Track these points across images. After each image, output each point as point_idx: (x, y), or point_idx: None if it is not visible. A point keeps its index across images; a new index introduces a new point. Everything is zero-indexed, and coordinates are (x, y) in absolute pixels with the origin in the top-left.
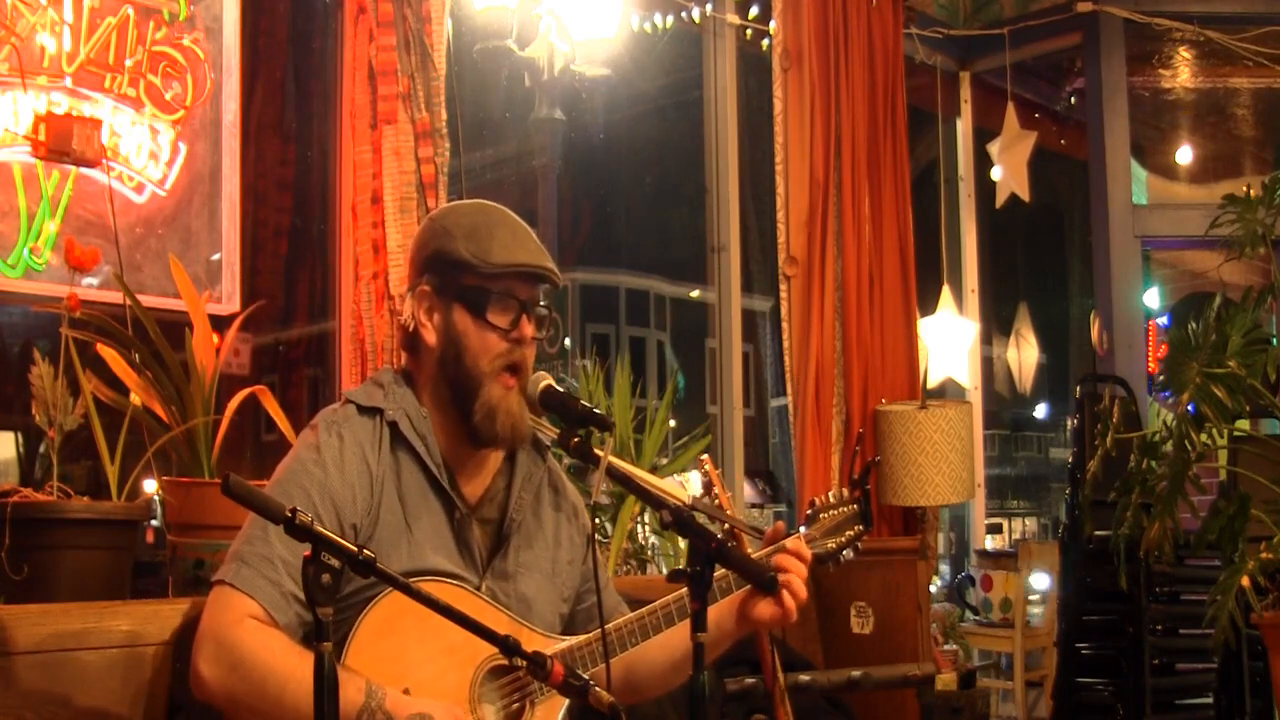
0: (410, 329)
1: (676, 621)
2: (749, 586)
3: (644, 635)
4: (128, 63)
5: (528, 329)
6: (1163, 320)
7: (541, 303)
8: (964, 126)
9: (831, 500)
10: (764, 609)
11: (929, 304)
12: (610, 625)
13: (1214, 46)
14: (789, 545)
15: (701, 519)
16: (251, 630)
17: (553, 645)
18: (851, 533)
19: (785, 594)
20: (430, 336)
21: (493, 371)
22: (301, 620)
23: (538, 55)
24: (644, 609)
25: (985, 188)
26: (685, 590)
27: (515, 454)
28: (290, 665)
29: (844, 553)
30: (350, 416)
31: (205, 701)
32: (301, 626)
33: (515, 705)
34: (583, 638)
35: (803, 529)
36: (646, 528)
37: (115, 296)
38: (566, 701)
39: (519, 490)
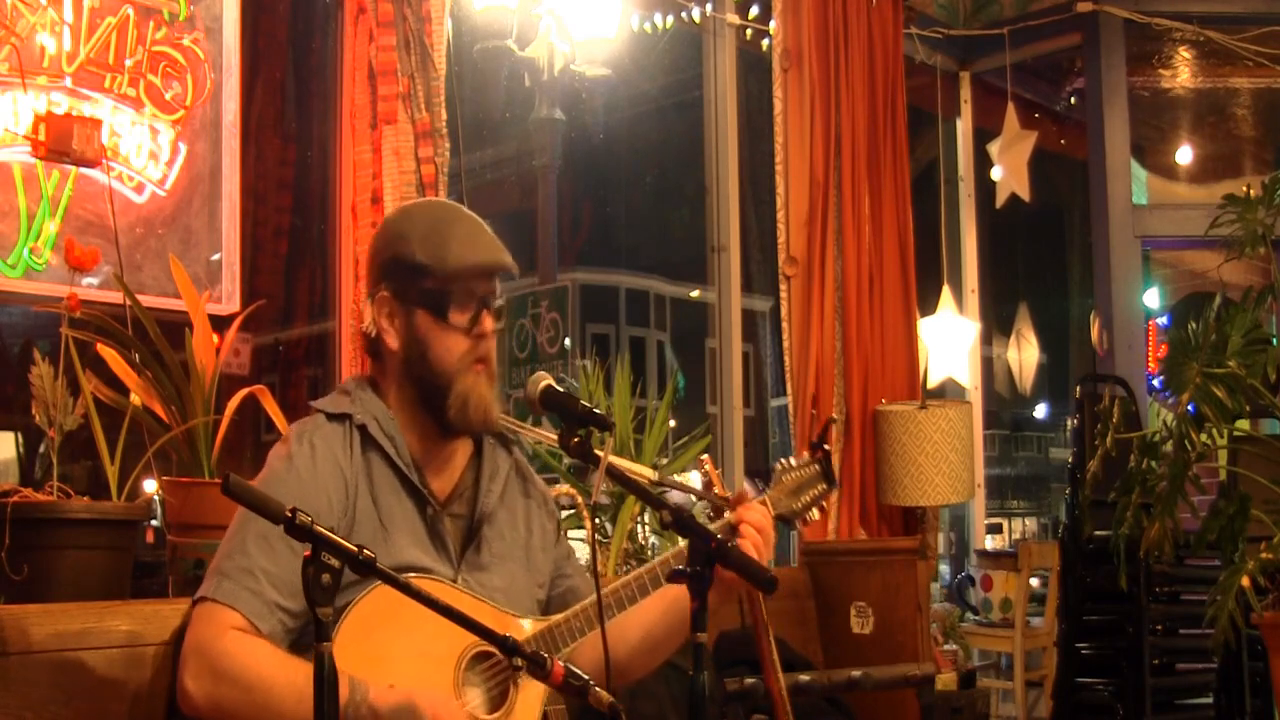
0: (372, 335)
1: (651, 590)
2: None
3: (620, 607)
4: (128, 63)
5: (488, 323)
6: (1163, 320)
7: (497, 294)
8: (964, 126)
9: (793, 464)
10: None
11: (929, 304)
12: (587, 602)
13: (1214, 46)
14: (749, 505)
15: (693, 513)
16: (235, 640)
17: (533, 626)
18: (816, 491)
19: (746, 543)
20: (393, 341)
21: (462, 367)
22: (285, 628)
23: (538, 55)
24: (618, 583)
25: (985, 188)
26: (659, 561)
27: (482, 449)
28: (275, 671)
29: (810, 512)
30: (320, 425)
31: (193, 716)
32: (286, 634)
33: (499, 688)
34: (560, 615)
35: (766, 491)
36: (646, 528)
37: (115, 296)
38: None
39: (487, 482)
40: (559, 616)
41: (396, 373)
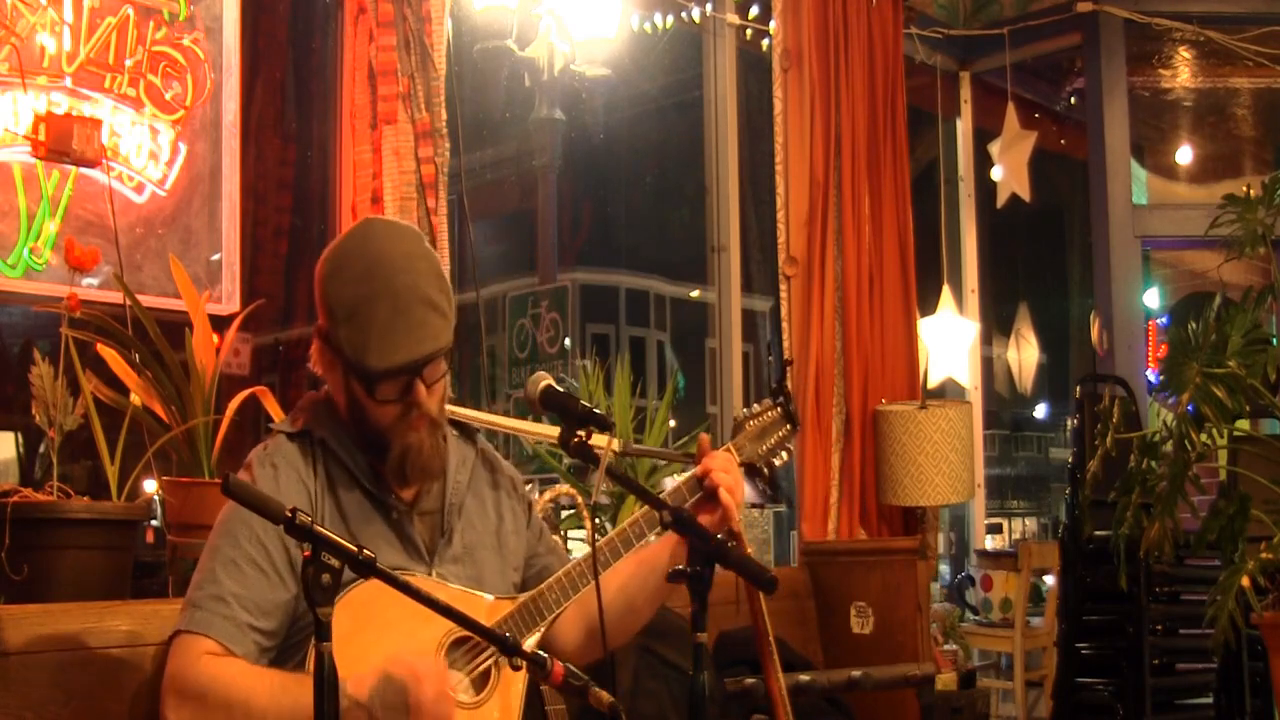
0: (316, 372)
1: (623, 553)
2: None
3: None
4: (128, 63)
5: (421, 392)
6: (1163, 320)
7: (426, 365)
8: (964, 126)
9: (755, 409)
10: (704, 518)
11: (929, 304)
12: (560, 572)
13: (1214, 46)
14: (714, 452)
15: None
16: (209, 663)
17: (508, 605)
18: (780, 434)
19: (721, 492)
20: (331, 389)
21: (401, 428)
22: (260, 648)
23: (538, 55)
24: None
25: (985, 188)
26: (629, 522)
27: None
28: (250, 683)
29: (778, 455)
30: (280, 445)
31: None
32: (262, 654)
33: (481, 670)
34: (538, 588)
35: (730, 440)
36: None
37: (115, 296)
38: None
39: (453, 478)
40: (539, 588)
41: (344, 411)
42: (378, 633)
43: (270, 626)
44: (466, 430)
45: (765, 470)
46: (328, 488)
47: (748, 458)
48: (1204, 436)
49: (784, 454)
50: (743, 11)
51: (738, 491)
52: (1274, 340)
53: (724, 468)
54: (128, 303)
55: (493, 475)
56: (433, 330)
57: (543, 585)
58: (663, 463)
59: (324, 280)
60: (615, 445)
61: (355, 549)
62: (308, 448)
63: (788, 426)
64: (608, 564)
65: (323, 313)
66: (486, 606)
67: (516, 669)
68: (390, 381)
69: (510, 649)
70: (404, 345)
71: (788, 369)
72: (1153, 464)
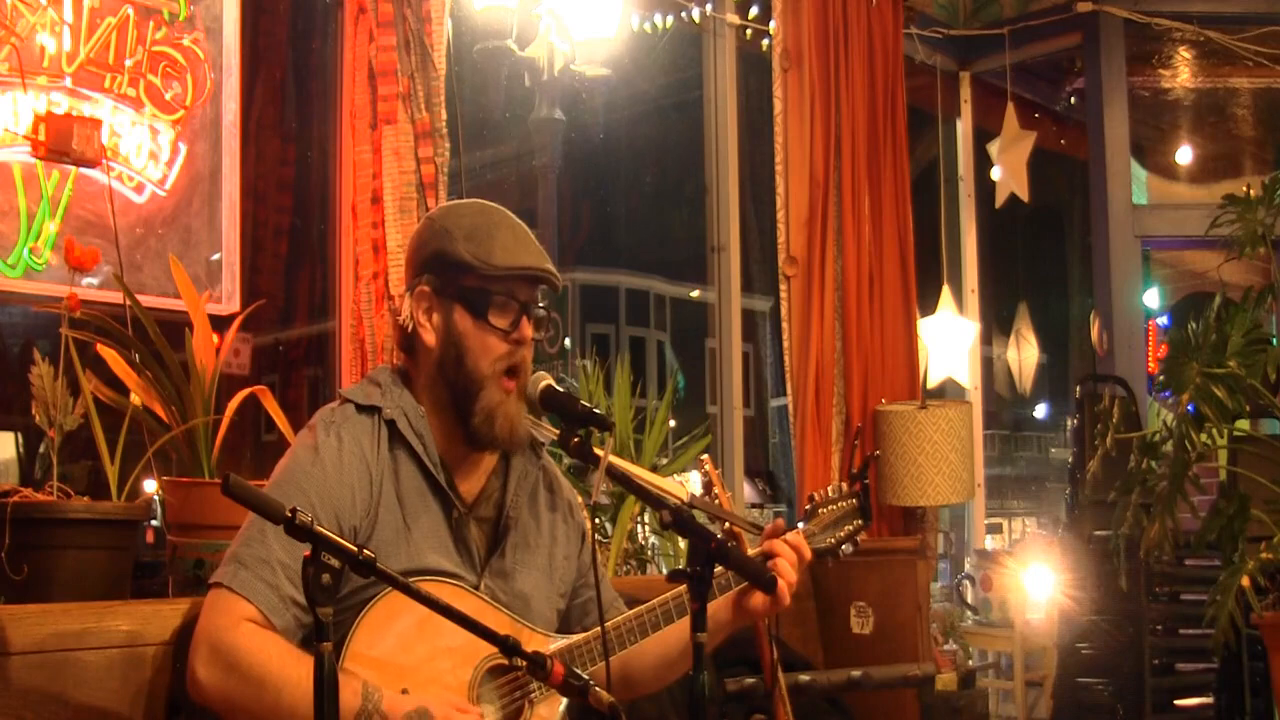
0: (408, 330)
1: (675, 619)
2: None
3: (643, 633)
4: (128, 63)
5: (528, 330)
6: (1163, 320)
7: (540, 303)
8: (964, 126)
9: (830, 495)
10: (758, 599)
11: (929, 304)
12: (609, 624)
13: (1214, 46)
14: (786, 538)
15: (701, 518)
16: (248, 634)
17: (551, 644)
18: (851, 527)
19: (780, 584)
20: (429, 338)
21: (493, 374)
22: (299, 623)
23: (538, 55)
24: (642, 607)
25: (985, 188)
26: (683, 588)
27: (511, 453)
28: (287, 669)
29: (843, 547)
30: (349, 416)
31: (202, 704)
32: (300, 629)
33: (514, 705)
34: (581, 636)
35: (801, 524)
36: (646, 528)
37: (115, 296)
38: (565, 700)
39: (515, 489)
40: (579, 637)
41: (430, 372)
42: (424, 628)
43: None
44: (534, 444)
45: (829, 560)
46: (391, 472)
47: (816, 544)
48: (1204, 436)
49: (849, 547)
50: (743, 11)
51: (791, 577)
52: (1274, 340)
53: (786, 555)
54: (128, 303)
55: (552, 497)
56: (548, 257)
57: (582, 638)
58: (663, 462)
59: (434, 220)
60: (685, 495)
61: (355, 549)
62: (376, 426)
63: (859, 521)
64: (658, 627)
65: (435, 241)
66: (512, 629)
67: (516, 669)
68: (505, 303)
69: (510, 649)
70: (530, 254)
71: (870, 463)
72: (1153, 464)
